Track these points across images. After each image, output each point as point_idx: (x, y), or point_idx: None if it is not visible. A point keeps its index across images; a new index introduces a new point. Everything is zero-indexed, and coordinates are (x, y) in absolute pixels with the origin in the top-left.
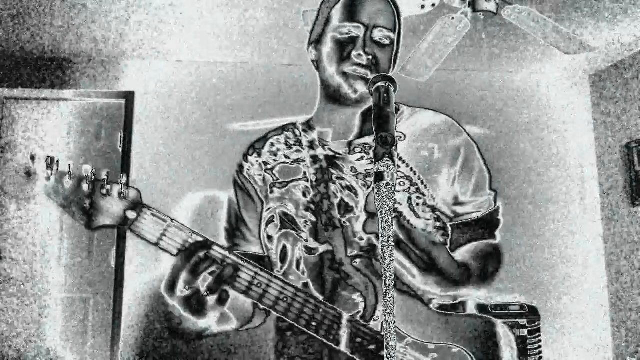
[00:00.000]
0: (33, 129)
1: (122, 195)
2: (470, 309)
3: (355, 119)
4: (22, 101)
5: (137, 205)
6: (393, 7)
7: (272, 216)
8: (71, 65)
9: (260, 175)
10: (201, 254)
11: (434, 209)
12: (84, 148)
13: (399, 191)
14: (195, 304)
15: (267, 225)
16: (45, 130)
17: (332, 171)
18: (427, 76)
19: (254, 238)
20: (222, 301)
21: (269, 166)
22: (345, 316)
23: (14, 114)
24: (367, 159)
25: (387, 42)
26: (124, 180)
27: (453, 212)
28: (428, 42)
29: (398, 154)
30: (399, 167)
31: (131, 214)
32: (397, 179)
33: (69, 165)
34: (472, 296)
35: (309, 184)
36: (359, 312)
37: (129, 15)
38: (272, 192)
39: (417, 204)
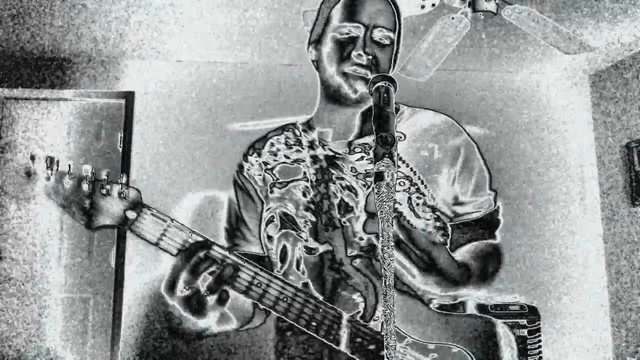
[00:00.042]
0: (33, 129)
1: (122, 195)
2: (470, 309)
3: (355, 119)
4: (22, 101)
5: (137, 205)
6: (393, 7)
7: (272, 216)
8: (71, 65)
9: (260, 175)
10: (201, 254)
11: (434, 209)
12: (84, 148)
13: (398, 191)
14: (195, 304)
15: (267, 225)
16: (45, 130)
17: (332, 171)
18: (427, 76)
19: (254, 238)
20: (222, 301)
21: (269, 166)
22: (346, 316)
23: (14, 114)
24: (367, 159)
25: (387, 42)
26: (124, 180)
27: (453, 212)
28: (428, 42)
29: (398, 154)
30: (398, 167)
31: (131, 214)
32: (397, 179)
33: (69, 165)
34: (472, 296)
35: (309, 184)
36: (359, 312)
37: (129, 15)
38: (272, 192)
39: (417, 204)
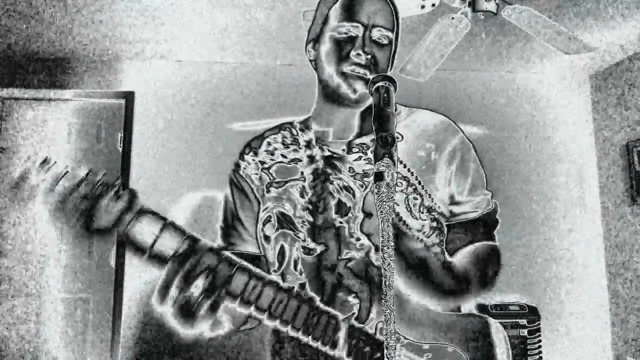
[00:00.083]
0: (33, 129)
1: (118, 197)
2: (470, 308)
3: (354, 119)
4: (22, 101)
5: (133, 208)
6: (391, 6)
7: (269, 216)
8: (71, 65)
9: (257, 174)
10: (194, 260)
11: (430, 210)
12: (84, 148)
13: (396, 192)
14: (188, 311)
15: (264, 224)
16: (45, 130)
17: (330, 171)
18: (427, 76)
19: (250, 237)
20: (214, 308)
21: (265, 165)
22: (341, 318)
23: (14, 114)
24: (364, 159)
25: (385, 41)
26: (119, 181)
27: (450, 212)
28: (428, 42)
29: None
30: None
31: (126, 217)
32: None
33: (66, 167)
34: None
35: (306, 184)
36: (354, 313)
37: (128, 16)
38: (268, 191)
39: (414, 205)
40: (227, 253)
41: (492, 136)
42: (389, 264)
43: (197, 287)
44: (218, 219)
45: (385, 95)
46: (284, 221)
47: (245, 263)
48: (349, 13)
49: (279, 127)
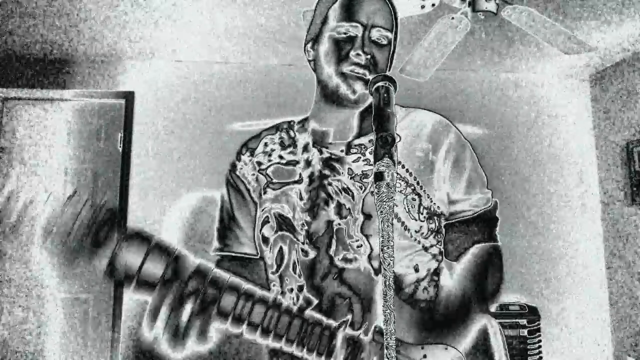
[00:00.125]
0: (33, 129)
1: (103, 224)
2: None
3: (353, 120)
4: (22, 101)
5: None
6: (390, 6)
7: (267, 217)
8: (71, 65)
9: (253, 174)
10: (179, 285)
11: (429, 210)
12: (84, 148)
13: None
14: (178, 336)
15: (262, 226)
16: (45, 130)
17: (328, 172)
18: (427, 76)
19: (246, 239)
20: (204, 331)
21: (262, 166)
22: (335, 325)
23: (14, 114)
24: (363, 160)
25: (384, 42)
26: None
27: (449, 211)
28: (428, 42)
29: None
30: None
31: (114, 247)
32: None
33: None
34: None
35: (304, 186)
36: (348, 319)
37: (128, 16)
38: (265, 192)
39: (413, 206)
40: (214, 271)
41: (492, 136)
42: (389, 264)
43: (186, 310)
44: (216, 219)
45: (385, 95)
46: (283, 223)
47: (234, 279)
48: (348, 13)
49: (277, 128)
